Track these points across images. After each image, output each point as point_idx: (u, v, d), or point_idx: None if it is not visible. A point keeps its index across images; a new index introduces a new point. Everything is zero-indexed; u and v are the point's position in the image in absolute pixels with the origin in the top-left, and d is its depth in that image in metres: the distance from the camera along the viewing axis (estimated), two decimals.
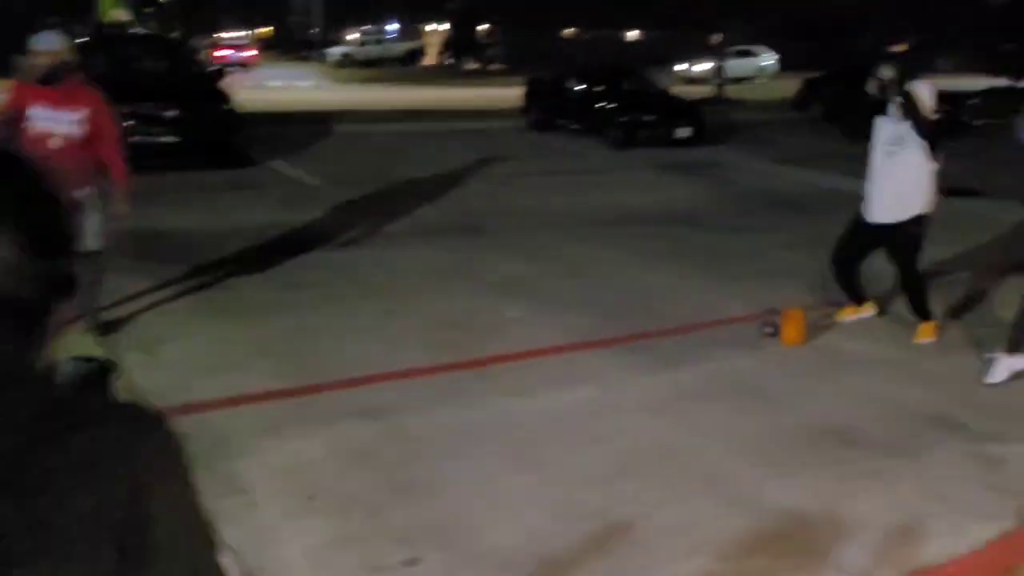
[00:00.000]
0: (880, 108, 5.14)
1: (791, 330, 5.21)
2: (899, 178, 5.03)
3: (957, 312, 5.85)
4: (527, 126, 16.65)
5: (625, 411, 4.31)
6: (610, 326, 5.47)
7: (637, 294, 6.20)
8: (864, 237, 5.35)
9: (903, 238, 5.18)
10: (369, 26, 47.12)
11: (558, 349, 5.13)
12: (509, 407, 4.27)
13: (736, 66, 30.19)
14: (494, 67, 40.16)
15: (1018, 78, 28.89)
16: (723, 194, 10.32)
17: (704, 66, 30.25)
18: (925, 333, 5.29)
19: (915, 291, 5.30)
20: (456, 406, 4.25)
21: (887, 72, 5.06)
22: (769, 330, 5.34)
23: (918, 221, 5.12)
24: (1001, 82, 29.54)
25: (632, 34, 42.68)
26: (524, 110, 17.22)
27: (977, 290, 6.31)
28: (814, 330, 5.42)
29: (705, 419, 4.22)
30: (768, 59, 35.59)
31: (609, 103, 14.69)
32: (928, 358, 5.03)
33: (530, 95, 17.22)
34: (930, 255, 5.48)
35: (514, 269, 6.77)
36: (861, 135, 5.39)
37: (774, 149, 14.28)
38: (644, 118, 14.35)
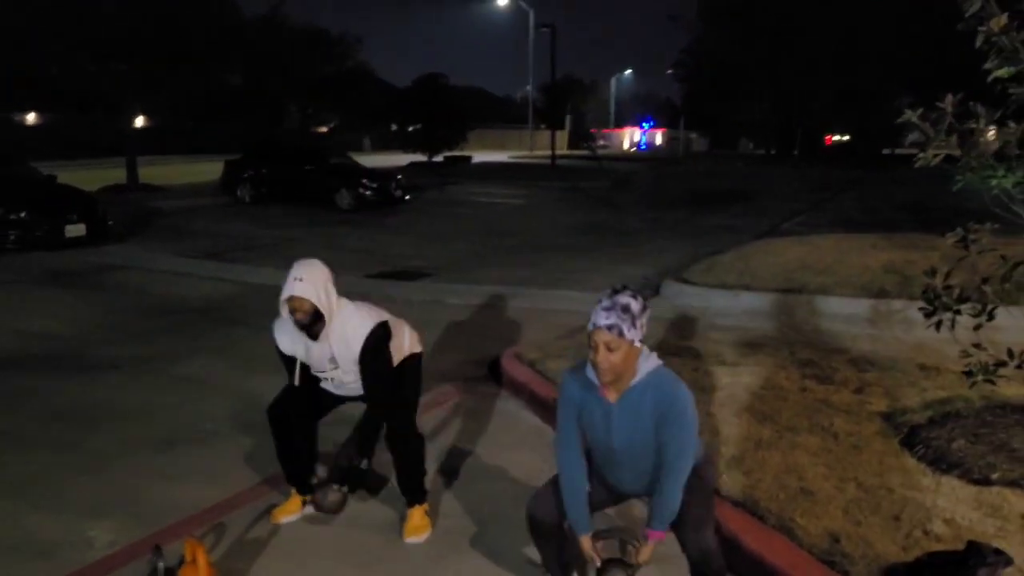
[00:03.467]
0: None
1: None
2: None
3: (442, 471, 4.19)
4: None
5: None
6: None
7: None
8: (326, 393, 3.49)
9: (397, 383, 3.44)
10: None
11: None
12: None
13: None
14: None
15: (431, 154, 31.57)
16: (118, 311, 7.55)
17: None
18: (419, 525, 3.41)
19: (414, 458, 3.44)
20: None
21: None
22: None
23: (415, 356, 3.57)
24: (418, 157, 32.09)
25: (31, 117, 35.68)
26: None
27: (448, 415, 4.80)
28: (242, 556, 3.18)
29: None
30: None
31: None
32: None
33: None
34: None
35: None
36: None
37: (196, 241, 11.92)
38: (15, 216, 10.68)
